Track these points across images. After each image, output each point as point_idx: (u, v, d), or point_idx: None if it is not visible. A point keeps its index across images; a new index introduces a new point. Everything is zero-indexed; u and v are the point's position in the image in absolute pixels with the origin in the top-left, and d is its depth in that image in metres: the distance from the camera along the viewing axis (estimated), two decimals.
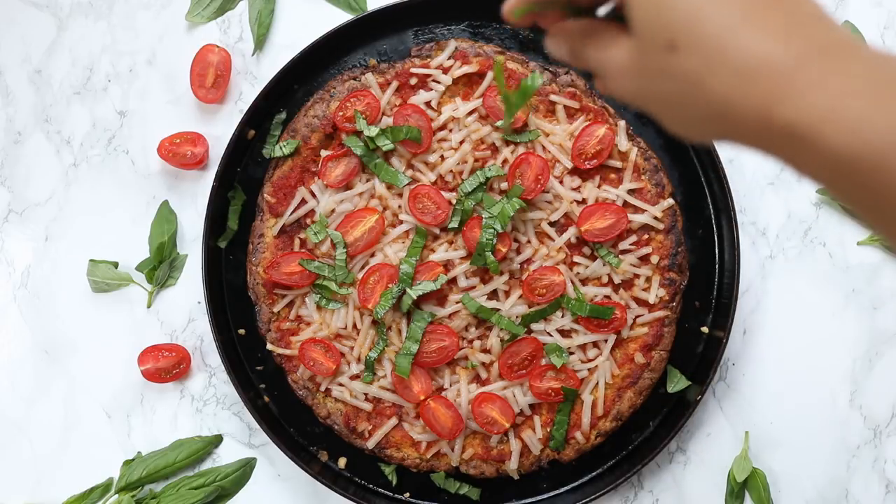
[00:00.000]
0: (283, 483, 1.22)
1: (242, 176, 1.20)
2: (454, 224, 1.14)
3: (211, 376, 1.23)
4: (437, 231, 1.16)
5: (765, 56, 0.47)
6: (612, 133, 1.15)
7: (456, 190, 1.15)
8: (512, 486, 1.17)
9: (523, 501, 1.16)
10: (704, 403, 1.20)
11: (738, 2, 0.49)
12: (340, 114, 1.16)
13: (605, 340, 1.15)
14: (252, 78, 1.26)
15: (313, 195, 1.18)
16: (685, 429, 1.20)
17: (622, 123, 1.17)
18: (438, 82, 1.17)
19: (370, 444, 1.16)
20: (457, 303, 1.14)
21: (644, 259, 1.16)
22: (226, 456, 1.22)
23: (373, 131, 1.14)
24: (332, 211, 1.17)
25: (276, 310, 1.18)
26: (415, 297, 1.12)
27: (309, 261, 1.15)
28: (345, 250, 1.14)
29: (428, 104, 1.17)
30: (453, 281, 1.15)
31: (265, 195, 1.19)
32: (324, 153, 1.17)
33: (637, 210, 1.15)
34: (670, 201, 1.16)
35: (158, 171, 1.26)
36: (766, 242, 1.22)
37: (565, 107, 1.17)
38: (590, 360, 1.15)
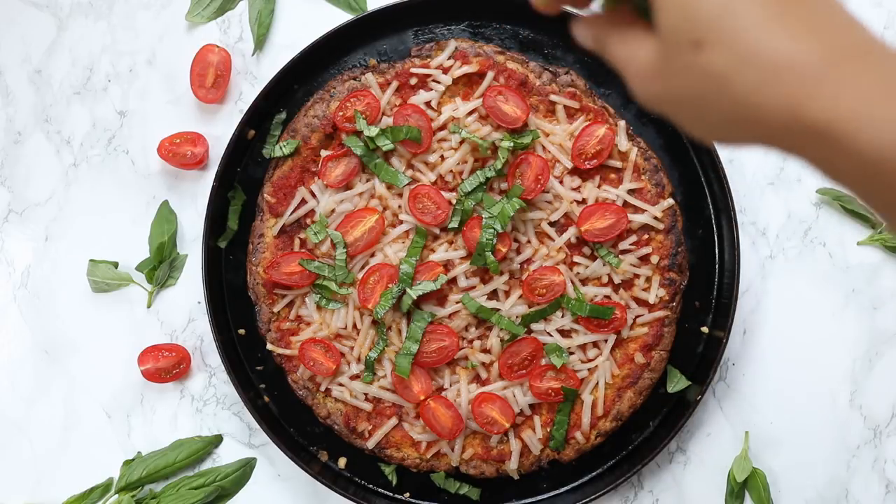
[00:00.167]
0: (283, 483, 1.22)
1: (242, 176, 1.20)
2: (454, 224, 1.14)
3: (211, 376, 1.23)
4: (437, 231, 1.16)
5: (792, 55, 0.47)
6: (612, 133, 1.15)
7: (456, 190, 1.15)
8: (512, 486, 1.17)
9: (523, 501, 1.16)
10: (704, 403, 1.20)
11: (767, 4, 0.49)
12: (340, 114, 1.16)
13: (605, 340, 1.15)
14: (252, 78, 1.26)
15: (313, 195, 1.18)
16: (685, 429, 1.20)
17: (622, 123, 1.17)
18: (438, 82, 1.17)
19: (370, 444, 1.16)
20: (457, 303, 1.14)
21: (644, 259, 1.16)
22: (226, 456, 1.22)
23: (373, 131, 1.14)
24: (332, 211, 1.17)
25: (276, 310, 1.18)
26: (415, 297, 1.12)
27: (309, 261, 1.15)
28: (345, 250, 1.14)
29: (428, 104, 1.17)
30: (453, 281, 1.15)
31: (265, 195, 1.19)
32: (324, 153, 1.18)
33: (637, 210, 1.15)
34: (670, 201, 1.16)
35: (158, 171, 1.26)
36: (766, 242, 1.22)
37: (565, 107, 1.17)
38: (590, 360, 1.15)
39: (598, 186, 1.16)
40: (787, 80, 0.47)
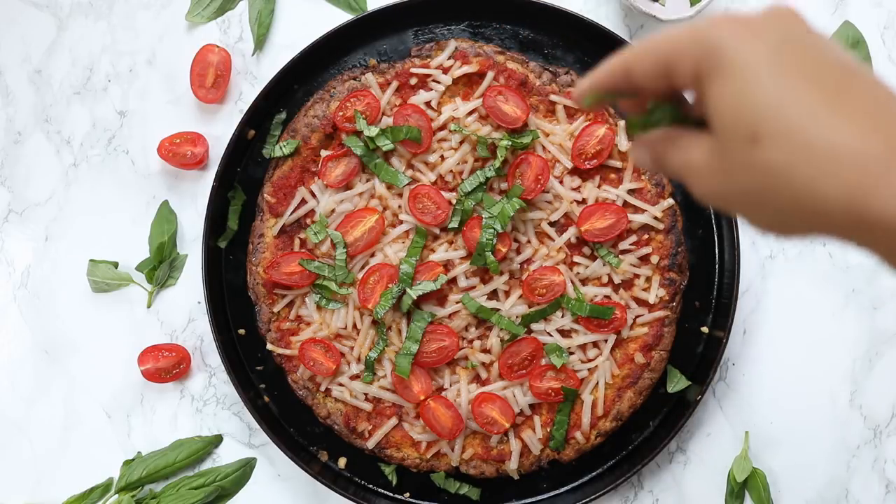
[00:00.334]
0: (283, 483, 1.22)
1: (242, 176, 1.20)
2: (454, 224, 1.14)
3: (211, 376, 1.23)
4: (437, 231, 1.16)
5: (852, 146, 0.46)
6: (612, 133, 1.15)
7: (456, 190, 1.15)
8: (512, 486, 1.17)
9: (523, 501, 1.16)
10: (704, 403, 1.20)
11: (818, 90, 0.48)
12: (340, 114, 1.16)
13: (605, 340, 1.15)
14: (252, 78, 1.26)
15: (313, 195, 1.18)
16: (685, 429, 1.20)
17: (622, 123, 1.17)
18: (438, 82, 1.17)
19: (370, 444, 1.16)
20: (457, 303, 1.14)
21: (644, 259, 1.16)
22: (226, 456, 1.22)
23: (373, 131, 1.14)
24: (332, 211, 1.17)
25: (276, 310, 1.18)
26: (415, 297, 1.12)
27: (309, 261, 1.15)
28: (345, 250, 1.14)
29: (428, 104, 1.17)
30: (453, 281, 1.15)
31: (265, 195, 1.19)
32: (324, 153, 1.17)
33: (637, 210, 1.15)
34: (670, 201, 1.16)
35: (158, 171, 1.26)
36: (766, 242, 1.22)
37: (565, 107, 1.17)
38: (590, 360, 1.15)
39: (598, 186, 1.16)
40: (848, 173, 0.46)
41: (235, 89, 1.26)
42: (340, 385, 1.16)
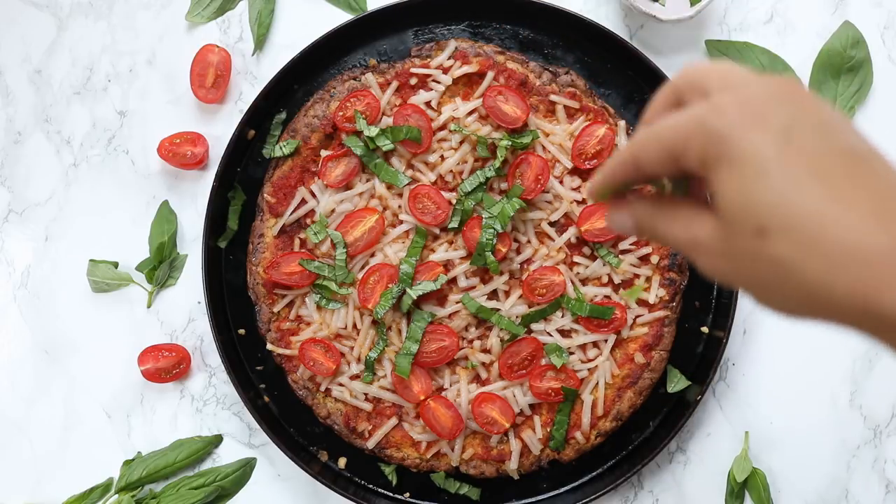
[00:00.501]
0: (283, 483, 1.22)
1: (242, 176, 1.20)
2: (454, 224, 1.14)
3: (211, 376, 1.23)
4: (437, 231, 1.16)
5: (861, 241, 0.46)
6: (612, 133, 1.15)
7: (456, 190, 1.15)
8: (512, 486, 1.17)
9: (523, 501, 1.16)
10: (704, 403, 1.20)
11: (827, 183, 0.47)
12: (340, 114, 1.16)
13: (605, 340, 1.15)
14: (252, 78, 1.26)
15: (313, 195, 1.18)
16: (685, 429, 1.20)
17: (622, 123, 1.17)
18: (438, 82, 1.17)
19: (370, 444, 1.16)
20: (457, 303, 1.14)
21: (644, 259, 1.16)
22: (226, 456, 1.22)
23: (373, 131, 1.14)
24: (332, 211, 1.17)
25: (276, 310, 1.18)
26: (415, 297, 1.12)
27: (309, 261, 1.15)
28: (345, 250, 1.14)
29: (428, 104, 1.17)
30: (453, 281, 1.15)
31: (265, 195, 1.19)
32: (324, 153, 1.17)
33: None
34: None
35: (158, 171, 1.26)
36: None
37: (565, 107, 1.17)
38: (590, 360, 1.15)
39: None
40: (857, 268, 0.46)
41: (235, 89, 1.26)
42: (340, 385, 1.16)
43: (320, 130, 1.18)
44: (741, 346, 1.21)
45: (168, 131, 1.24)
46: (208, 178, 1.22)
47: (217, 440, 1.22)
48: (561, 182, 1.16)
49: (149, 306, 1.24)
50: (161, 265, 1.22)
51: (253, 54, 1.26)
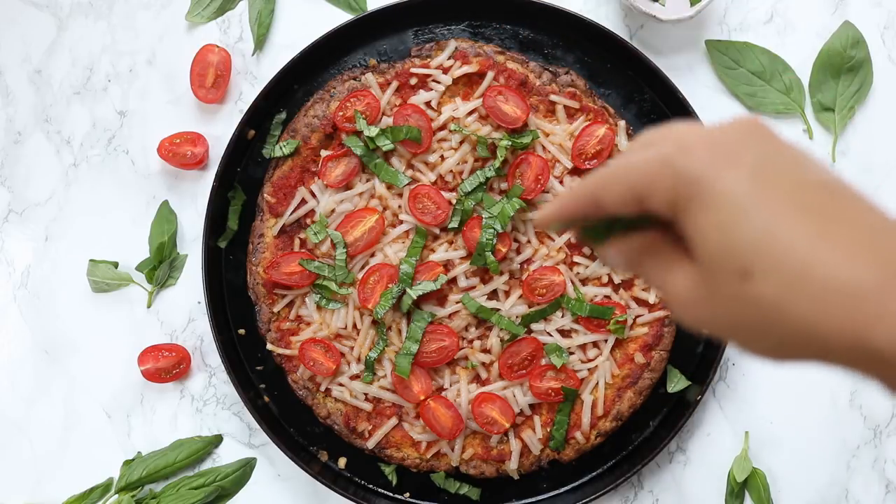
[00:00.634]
0: (283, 483, 1.22)
1: (242, 176, 1.20)
2: (454, 224, 1.14)
3: (211, 376, 1.23)
4: (437, 231, 1.16)
5: (847, 277, 0.44)
6: (612, 133, 1.15)
7: (456, 190, 1.15)
8: (512, 486, 1.17)
9: (523, 501, 1.16)
10: (704, 403, 1.20)
11: (806, 219, 0.45)
12: (340, 114, 1.16)
13: (605, 340, 1.15)
14: (252, 78, 1.26)
15: (313, 195, 1.18)
16: (685, 429, 1.20)
17: (622, 123, 1.17)
18: (438, 82, 1.17)
19: (370, 444, 1.16)
20: (457, 303, 1.14)
21: None
22: (226, 456, 1.22)
23: (373, 131, 1.14)
24: (332, 211, 1.17)
25: (276, 310, 1.18)
26: (415, 297, 1.12)
27: (309, 261, 1.15)
28: (345, 250, 1.14)
29: (428, 104, 1.17)
30: (453, 281, 1.15)
31: (265, 195, 1.19)
32: (324, 153, 1.17)
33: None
34: None
35: (158, 171, 1.26)
36: None
37: (565, 107, 1.17)
38: (590, 360, 1.15)
39: None
40: (845, 305, 0.44)
41: (235, 89, 1.26)
42: (340, 385, 1.16)
43: (320, 130, 1.18)
44: None
45: (168, 131, 1.24)
46: (208, 178, 1.22)
47: (217, 440, 1.22)
48: (561, 182, 1.16)
49: (149, 306, 1.24)
50: (161, 265, 1.22)
51: (253, 54, 1.26)
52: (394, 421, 1.16)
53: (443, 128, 1.17)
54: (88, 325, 1.25)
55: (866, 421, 1.19)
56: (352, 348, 1.16)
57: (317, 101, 1.19)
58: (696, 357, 1.17)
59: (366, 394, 1.16)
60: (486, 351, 1.15)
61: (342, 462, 1.18)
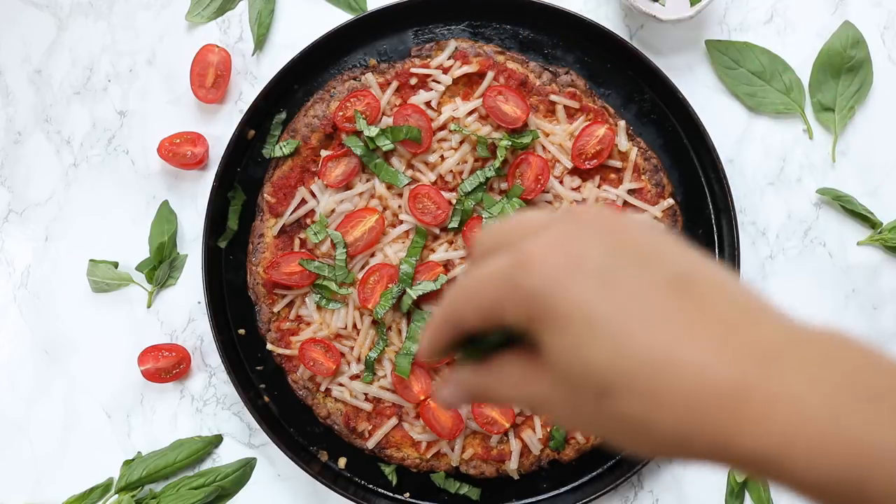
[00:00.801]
0: (283, 483, 1.22)
1: (242, 176, 1.20)
2: (454, 224, 1.15)
3: (211, 376, 1.23)
4: (437, 231, 1.16)
5: (707, 379, 0.41)
6: (612, 133, 1.15)
7: (456, 190, 1.16)
8: (512, 486, 1.17)
9: (523, 501, 1.16)
10: None
11: (661, 323, 0.43)
12: (340, 114, 1.16)
13: None
14: (252, 78, 1.26)
15: (313, 195, 1.18)
16: None
17: (622, 123, 1.17)
18: (438, 82, 1.17)
19: (370, 444, 1.16)
20: None
21: None
22: (226, 456, 1.22)
23: (373, 131, 1.14)
24: (332, 211, 1.17)
25: (276, 310, 1.18)
26: (415, 297, 1.12)
27: (309, 261, 1.15)
28: (345, 250, 1.14)
29: (428, 104, 1.17)
30: (453, 281, 1.15)
31: (265, 195, 1.19)
32: (324, 153, 1.18)
33: (637, 210, 1.16)
34: (670, 201, 1.16)
35: (158, 171, 1.26)
36: (766, 242, 1.22)
37: (565, 107, 1.17)
38: None
39: (598, 186, 1.16)
40: (707, 413, 0.42)
41: (235, 89, 1.26)
42: (340, 385, 1.16)
43: (320, 130, 1.18)
44: None
45: (168, 131, 1.24)
46: (208, 178, 1.22)
47: (217, 440, 1.22)
48: (561, 182, 1.16)
49: (149, 306, 1.24)
50: (161, 265, 1.22)
51: (253, 54, 1.26)
52: (394, 421, 1.16)
53: (443, 128, 1.17)
54: (88, 325, 1.25)
55: None
56: (352, 348, 1.16)
57: (317, 101, 1.19)
58: None
59: (366, 394, 1.16)
60: None
61: (342, 462, 1.18)
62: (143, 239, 1.25)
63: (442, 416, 1.13)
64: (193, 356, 1.23)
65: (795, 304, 1.21)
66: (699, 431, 0.42)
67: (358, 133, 1.16)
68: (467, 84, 1.18)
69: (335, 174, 1.17)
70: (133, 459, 1.21)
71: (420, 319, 1.13)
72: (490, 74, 1.16)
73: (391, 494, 1.17)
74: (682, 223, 1.17)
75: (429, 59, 1.18)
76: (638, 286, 0.43)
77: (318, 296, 1.16)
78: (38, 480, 1.23)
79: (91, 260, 1.23)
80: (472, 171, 1.16)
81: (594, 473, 1.16)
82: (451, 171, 1.16)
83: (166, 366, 1.21)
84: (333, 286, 1.15)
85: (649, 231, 0.46)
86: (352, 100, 1.16)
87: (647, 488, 1.20)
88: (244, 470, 1.21)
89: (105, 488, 1.22)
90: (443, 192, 1.15)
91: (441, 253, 1.15)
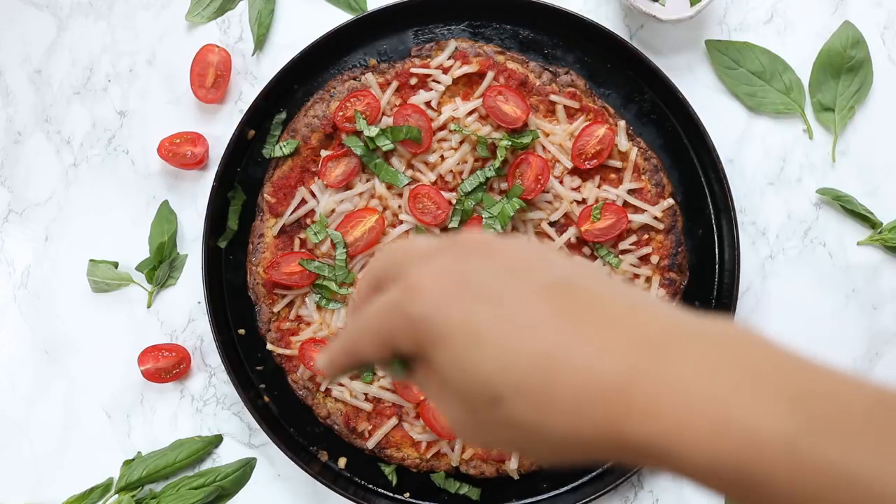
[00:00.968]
0: (283, 483, 1.22)
1: (242, 176, 1.20)
2: (454, 224, 1.15)
3: (211, 376, 1.23)
4: (437, 231, 1.16)
5: (594, 375, 0.42)
6: (612, 133, 1.15)
7: (456, 190, 1.16)
8: (512, 486, 1.17)
9: (523, 501, 1.16)
10: None
11: (542, 329, 0.44)
12: (340, 114, 1.16)
13: None
14: (252, 78, 1.26)
15: (313, 195, 1.18)
16: None
17: (622, 123, 1.17)
18: (438, 82, 1.17)
19: (370, 444, 1.16)
20: None
21: (644, 259, 1.16)
22: (226, 456, 1.22)
23: (373, 131, 1.14)
24: (332, 211, 1.17)
25: (276, 310, 1.18)
26: None
27: (309, 261, 1.15)
28: (345, 250, 1.15)
29: (428, 104, 1.17)
30: None
31: (265, 195, 1.19)
32: (324, 153, 1.18)
33: (637, 210, 1.16)
34: (670, 201, 1.16)
35: (158, 171, 1.26)
36: (766, 242, 1.22)
37: (565, 107, 1.17)
38: None
39: (598, 186, 1.16)
40: (594, 408, 0.42)
41: (235, 89, 1.26)
42: (340, 385, 1.16)
43: (320, 130, 1.18)
44: None
45: (168, 131, 1.24)
46: (208, 178, 1.22)
47: (217, 440, 1.22)
48: (561, 182, 1.16)
49: (149, 306, 1.24)
50: (161, 265, 1.22)
51: (253, 54, 1.26)
52: (394, 421, 1.16)
53: (443, 128, 1.17)
54: (88, 325, 1.25)
55: None
56: None
57: (317, 101, 1.19)
58: None
59: (366, 394, 1.16)
60: None
61: (342, 462, 1.18)
62: (143, 239, 1.25)
63: (442, 417, 1.13)
64: (193, 356, 1.23)
65: (795, 304, 1.21)
66: (591, 427, 0.43)
67: (358, 133, 1.16)
68: (467, 84, 1.18)
69: (335, 174, 1.17)
70: (133, 459, 1.21)
71: None
72: (490, 74, 1.16)
73: (391, 494, 1.17)
74: (682, 223, 1.17)
75: (429, 59, 1.18)
76: (519, 296, 0.45)
77: (318, 296, 1.16)
78: (38, 480, 1.24)
79: (91, 260, 1.23)
80: (472, 171, 1.16)
81: (594, 473, 1.16)
82: (451, 171, 1.16)
83: (166, 366, 1.21)
84: (333, 286, 1.15)
85: (528, 247, 0.48)
86: (352, 100, 1.16)
87: (647, 488, 1.20)
88: (244, 470, 1.21)
89: (105, 488, 1.22)
90: (443, 192, 1.15)
91: None
